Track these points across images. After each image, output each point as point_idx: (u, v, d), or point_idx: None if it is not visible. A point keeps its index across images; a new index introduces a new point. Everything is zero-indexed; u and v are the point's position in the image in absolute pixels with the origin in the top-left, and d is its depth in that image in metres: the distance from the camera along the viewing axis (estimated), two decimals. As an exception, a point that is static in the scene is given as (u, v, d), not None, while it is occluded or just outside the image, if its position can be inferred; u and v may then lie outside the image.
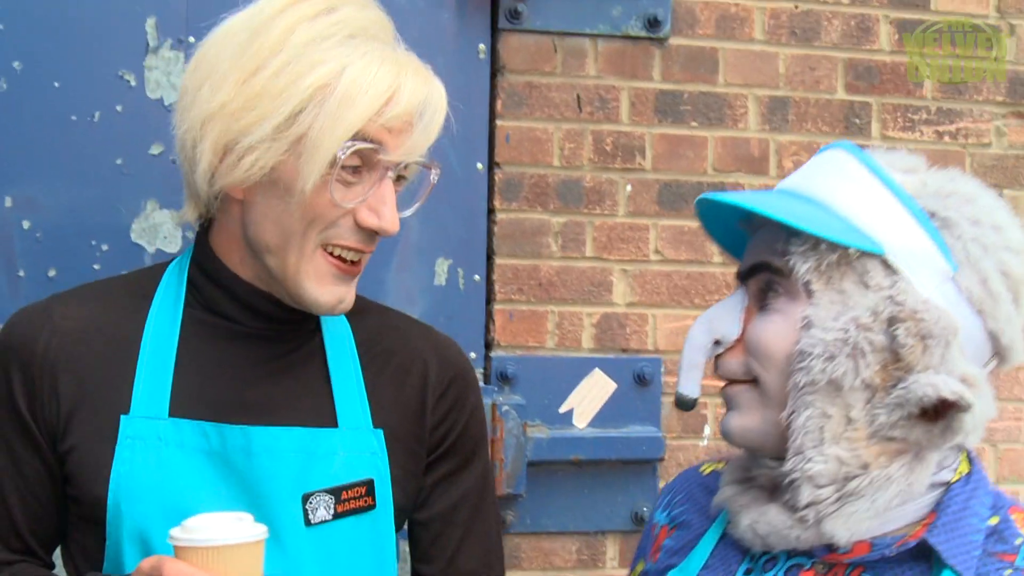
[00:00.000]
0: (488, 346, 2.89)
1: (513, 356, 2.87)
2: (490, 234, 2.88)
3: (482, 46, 2.85)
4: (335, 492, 1.77)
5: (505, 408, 2.75)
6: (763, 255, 1.49)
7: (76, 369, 1.76)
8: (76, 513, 1.78)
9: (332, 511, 1.76)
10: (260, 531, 1.50)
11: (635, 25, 2.92)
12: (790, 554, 1.50)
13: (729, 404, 1.54)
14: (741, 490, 1.54)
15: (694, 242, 2.98)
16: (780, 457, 1.46)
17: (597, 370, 2.87)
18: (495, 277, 2.88)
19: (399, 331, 1.94)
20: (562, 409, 2.87)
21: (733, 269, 2.77)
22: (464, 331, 2.75)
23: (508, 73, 2.87)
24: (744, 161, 3.02)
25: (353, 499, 1.78)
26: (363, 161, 1.68)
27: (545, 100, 2.90)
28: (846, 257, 1.42)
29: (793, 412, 1.42)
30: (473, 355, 2.73)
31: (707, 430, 3.00)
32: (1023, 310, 1.46)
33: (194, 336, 1.79)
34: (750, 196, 1.49)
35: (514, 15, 2.84)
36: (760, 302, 1.50)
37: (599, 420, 2.88)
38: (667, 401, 2.97)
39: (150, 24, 2.63)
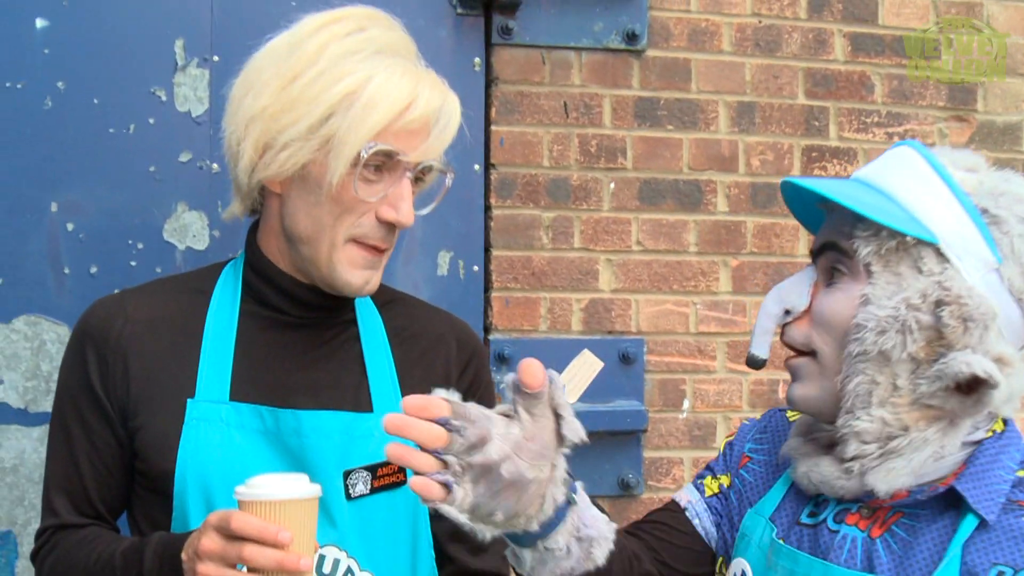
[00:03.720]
0: (487, 330, 2.96)
1: (509, 339, 2.95)
2: (487, 228, 2.97)
3: (477, 59, 2.94)
4: (372, 469, 1.86)
5: (502, 386, 2.77)
6: (832, 236, 1.56)
7: (145, 354, 1.86)
8: (144, 485, 1.87)
9: (369, 486, 1.85)
10: (315, 490, 1.57)
11: (615, 39, 3.01)
12: (839, 500, 1.58)
13: (793, 375, 1.60)
14: (803, 442, 1.63)
15: (671, 233, 3.08)
16: (835, 421, 1.55)
17: (586, 350, 2.70)
18: (492, 267, 2.97)
19: (423, 317, 2.04)
20: None
21: (706, 259, 2.95)
22: (464, 317, 2.56)
23: (501, 83, 2.97)
24: (716, 160, 3.11)
25: (387, 475, 1.87)
26: (384, 162, 1.77)
27: (535, 107, 2.99)
28: (904, 244, 1.48)
29: (847, 377, 1.51)
30: (479, 337, 2.82)
31: (686, 404, 3.09)
32: None
33: (248, 327, 1.90)
34: (826, 183, 1.55)
35: (506, 31, 2.94)
36: (827, 279, 1.57)
37: (588, 396, 2.63)
38: (650, 377, 3.05)
39: (178, 45, 2.73)
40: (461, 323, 2.10)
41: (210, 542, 1.56)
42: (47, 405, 2.64)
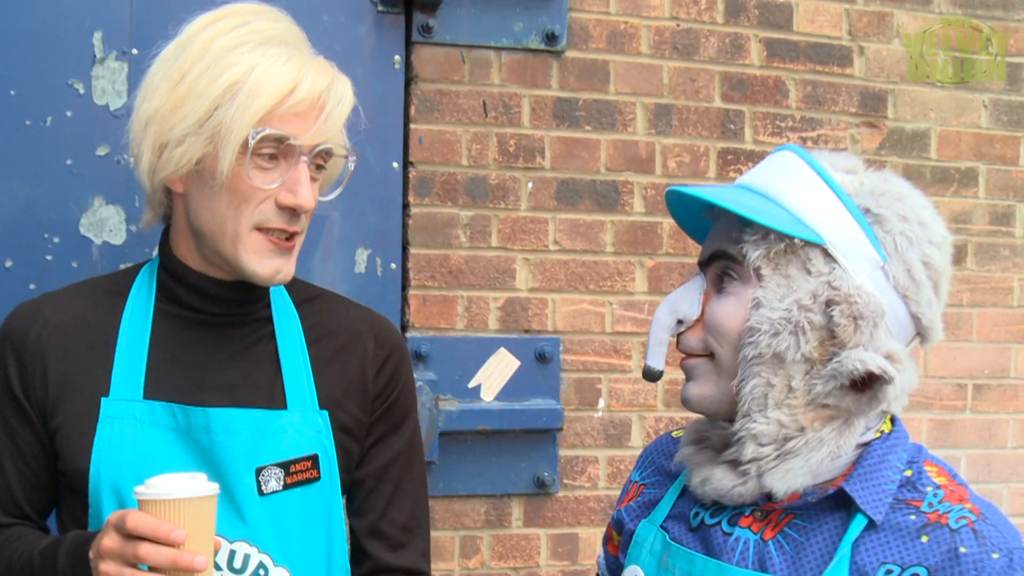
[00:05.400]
0: (404, 328, 2.97)
1: (427, 337, 2.96)
2: (405, 226, 2.98)
3: (397, 57, 2.95)
4: (284, 466, 1.87)
5: (419, 384, 2.82)
6: (720, 244, 1.58)
7: (63, 356, 1.88)
8: (65, 485, 1.89)
9: (282, 482, 1.87)
10: (212, 488, 1.61)
11: (535, 40, 3.04)
12: (734, 505, 1.61)
13: (688, 375, 1.62)
14: (696, 450, 1.65)
15: (588, 233, 3.10)
16: (731, 420, 1.57)
17: (502, 349, 2.99)
18: (410, 265, 2.97)
19: (341, 314, 2.05)
20: (471, 384, 2.98)
21: (623, 259, 2.99)
22: (382, 314, 2.72)
23: (421, 81, 2.98)
24: (633, 161, 3.14)
25: (300, 472, 1.89)
26: (277, 148, 1.79)
27: (454, 106, 3.01)
28: (792, 246, 1.51)
29: (742, 381, 1.53)
30: (400, 333, 2.80)
31: (601, 403, 3.12)
32: (942, 296, 1.57)
33: (163, 327, 1.92)
34: (711, 190, 1.58)
35: (426, 29, 2.95)
36: (717, 286, 1.59)
37: (504, 394, 3.00)
38: (566, 376, 3.09)
39: (97, 37, 2.71)
40: (381, 319, 2.11)
41: (110, 541, 1.61)
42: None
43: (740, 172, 3.21)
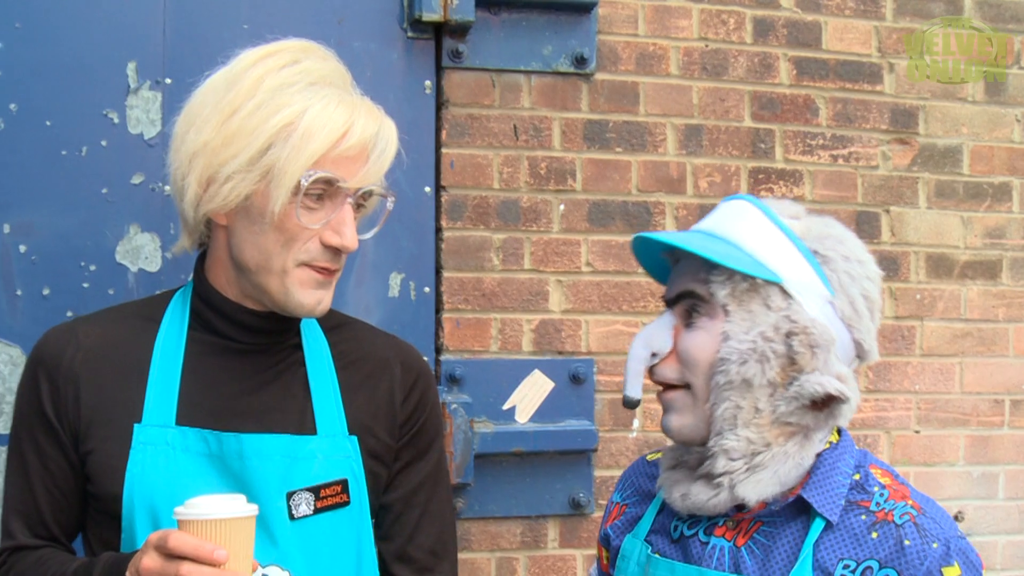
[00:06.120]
0: (438, 351, 2.97)
1: (460, 359, 2.97)
2: (438, 250, 2.98)
3: (428, 83, 2.97)
4: (315, 490, 1.89)
5: (454, 406, 2.85)
6: (688, 284, 1.75)
7: (96, 380, 1.90)
8: (96, 508, 1.91)
9: (313, 507, 1.89)
10: (252, 509, 1.63)
11: (564, 63, 3.05)
12: (709, 516, 1.78)
13: (666, 407, 1.78)
14: (674, 471, 1.81)
15: (621, 255, 3.10)
16: (706, 443, 1.74)
17: (536, 371, 3.00)
18: (443, 289, 2.97)
19: (369, 341, 2.07)
20: (505, 406, 2.98)
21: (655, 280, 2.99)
22: (416, 338, 2.80)
23: (451, 106, 2.99)
24: (664, 182, 3.15)
25: (330, 496, 1.91)
26: (325, 190, 1.82)
27: (485, 130, 3.02)
28: (754, 285, 1.70)
29: (714, 404, 1.70)
30: (425, 360, 2.87)
31: (636, 423, 3.12)
32: (876, 323, 1.77)
33: (196, 354, 1.94)
34: (680, 236, 1.76)
35: (456, 55, 2.97)
36: (686, 320, 1.76)
37: (538, 416, 3.00)
38: (600, 397, 3.08)
39: (131, 68, 2.74)
40: (407, 347, 2.13)
41: (150, 560, 1.61)
42: (0, 426, 2.64)
43: (771, 191, 3.22)
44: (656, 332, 1.78)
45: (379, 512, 2.03)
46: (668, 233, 1.79)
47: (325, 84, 1.86)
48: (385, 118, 1.90)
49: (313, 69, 1.87)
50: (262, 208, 1.82)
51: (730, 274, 1.70)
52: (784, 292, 1.70)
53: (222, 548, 1.58)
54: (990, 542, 3.43)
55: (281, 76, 1.83)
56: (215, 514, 1.60)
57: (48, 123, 2.71)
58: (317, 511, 1.90)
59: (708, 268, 1.72)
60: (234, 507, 1.62)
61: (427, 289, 2.98)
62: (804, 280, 1.71)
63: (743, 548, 1.74)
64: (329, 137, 1.79)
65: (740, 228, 1.75)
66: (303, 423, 1.94)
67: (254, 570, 1.73)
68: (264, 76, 1.83)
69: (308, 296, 1.87)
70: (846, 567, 1.67)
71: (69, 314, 2.63)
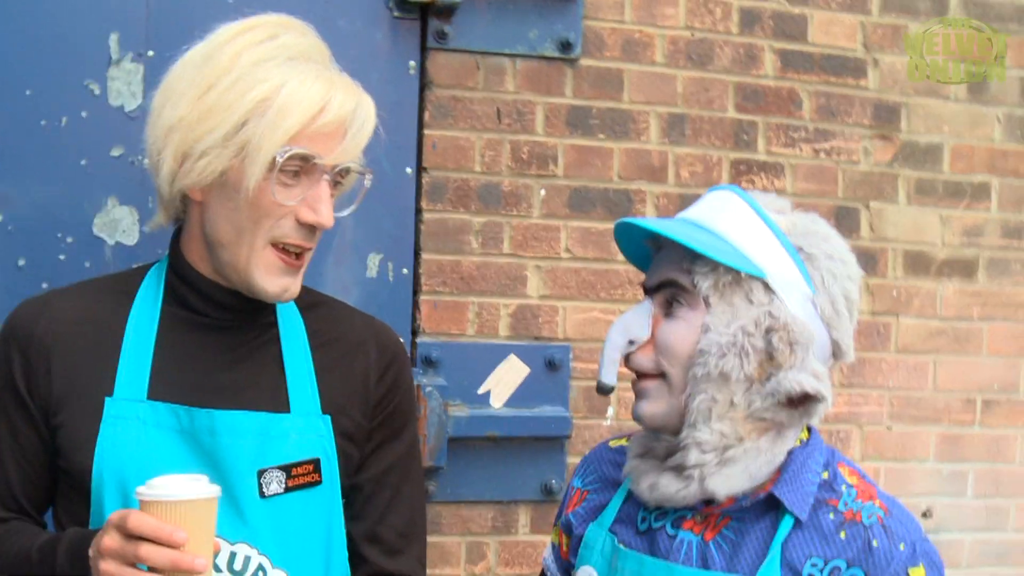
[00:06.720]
0: (414, 333, 2.96)
1: (437, 342, 2.96)
2: (417, 232, 2.97)
3: (412, 63, 2.95)
4: (286, 469, 1.89)
5: (429, 389, 2.85)
6: (671, 273, 1.74)
7: (68, 354, 1.89)
8: (66, 482, 1.90)
9: (284, 485, 1.89)
10: (214, 491, 1.64)
11: (550, 47, 3.04)
12: (676, 509, 1.78)
13: (639, 394, 1.78)
14: (642, 460, 1.80)
15: (600, 242, 3.09)
16: (676, 433, 1.73)
17: (512, 355, 2.99)
18: (421, 271, 2.97)
19: (345, 321, 2.07)
20: (480, 390, 2.98)
21: (633, 268, 2.99)
22: (393, 319, 2.62)
23: (435, 87, 2.98)
24: (646, 170, 3.14)
25: (302, 475, 1.91)
26: (301, 166, 1.81)
27: (468, 112, 3.00)
28: (738, 278, 1.69)
29: (690, 396, 1.70)
30: (401, 341, 2.85)
31: (610, 411, 3.12)
32: (854, 323, 1.77)
33: (169, 328, 1.93)
34: (666, 224, 1.74)
35: (441, 36, 2.95)
36: (666, 310, 1.75)
37: (513, 401, 3.00)
38: (575, 384, 3.07)
39: (113, 39, 2.71)
40: (383, 327, 2.12)
41: (110, 540, 1.63)
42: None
43: (752, 183, 3.22)
44: (634, 320, 1.77)
45: (350, 492, 2.02)
46: (654, 220, 1.78)
47: (303, 59, 1.85)
48: (363, 95, 1.89)
49: (291, 44, 1.86)
50: (237, 184, 1.81)
51: (714, 266, 1.70)
52: (767, 287, 1.70)
53: (182, 530, 1.58)
54: (957, 540, 3.44)
55: (259, 51, 1.82)
56: (176, 495, 1.60)
57: (28, 92, 2.67)
58: (288, 490, 1.90)
59: (692, 258, 1.72)
60: (195, 488, 1.62)
61: (405, 270, 2.97)
62: (787, 276, 1.71)
63: (711, 543, 1.74)
64: (306, 113, 1.79)
65: (726, 220, 1.75)
66: (277, 401, 1.94)
67: (218, 550, 1.73)
68: (241, 51, 1.82)
69: (272, 283, 1.87)
70: (814, 565, 1.68)
71: (44, 286, 2.60)
